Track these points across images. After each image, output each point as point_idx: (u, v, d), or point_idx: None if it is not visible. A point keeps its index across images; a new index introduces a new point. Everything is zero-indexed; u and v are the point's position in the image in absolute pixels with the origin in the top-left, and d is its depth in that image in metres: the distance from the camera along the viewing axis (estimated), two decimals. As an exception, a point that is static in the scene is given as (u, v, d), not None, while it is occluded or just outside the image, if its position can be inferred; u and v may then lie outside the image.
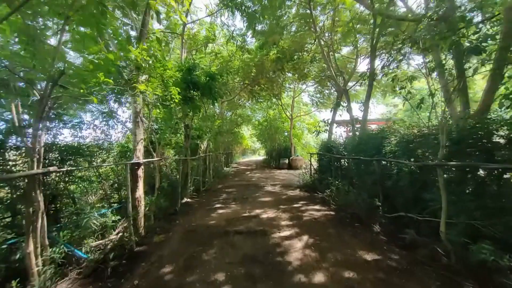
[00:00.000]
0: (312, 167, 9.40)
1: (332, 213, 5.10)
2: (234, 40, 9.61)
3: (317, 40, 9.38)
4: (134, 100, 3.99)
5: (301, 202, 6.20)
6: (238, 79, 11.91)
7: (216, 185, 9.39)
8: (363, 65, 25.80)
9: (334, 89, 13.42)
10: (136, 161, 3.75)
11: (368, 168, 5.27)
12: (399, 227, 3.89)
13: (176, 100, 4.66)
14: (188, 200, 6.74)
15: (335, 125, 11.45)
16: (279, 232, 4.10)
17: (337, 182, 5.76)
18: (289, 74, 14.00)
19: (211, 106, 12.31)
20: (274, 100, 18.03)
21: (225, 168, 15.52)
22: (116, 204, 4.92)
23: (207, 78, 6.72)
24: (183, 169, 7.68)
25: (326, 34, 9.57)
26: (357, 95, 13.53)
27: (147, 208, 4.27)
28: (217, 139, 13.00)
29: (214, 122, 8.30)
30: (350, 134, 10.18)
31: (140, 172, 3.86)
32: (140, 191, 3.83)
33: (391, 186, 4.34)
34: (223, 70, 8.32)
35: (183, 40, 7.40)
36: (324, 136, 18.68)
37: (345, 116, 10.40)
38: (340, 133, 15.78)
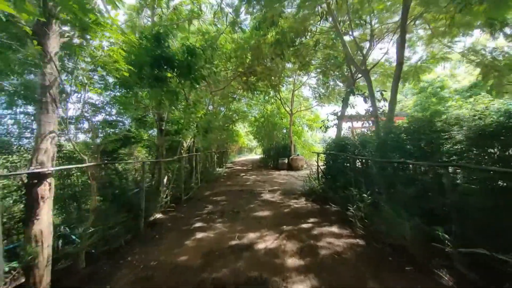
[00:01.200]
0: (319, 169, 7.80)
1: (361, 242, 3.49)
2: (224, 15, 7.92)
3: (325, 18, 7.75)
4: (44, 66, 2.33)
5: (311, 220, 4.59)
6: (231, 67, 10.23)
7: (203, 192, 7.75)
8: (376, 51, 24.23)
9: (339, 80, 11.83)
10: (33, 171, 2.11)
11: (413, 176, 3.68)
12: (485, 276, 2.32)
13: (125, 73, 3.00)
14: (160, 216, 5.09)
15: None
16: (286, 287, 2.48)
17: (365, 195, 4.14)
18: (289, 65, 12.42)
19: (205, 101, 10.67)
20: (271, 93, 16.43)
21: (217, 169, 13.88)
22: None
23: (186, 55, 5.06)
24: (156, 174, 6.04)
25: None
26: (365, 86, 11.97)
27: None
28: (207, 136, 11.38)
29: (197, 113, 6.62)
30: (365, 130, 8.62)
31: (45, 189, 2.21)
32: (43, 222, 2.18)
33: (458, 205, 2.75)
34: (209, 47, 6.64)
35: (154, 8, 5.71)
36: (329, 133, 16.92)
37: (351, 110, 8.85)
38: (347, 129, 14.25)
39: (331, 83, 12.40)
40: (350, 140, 6.16)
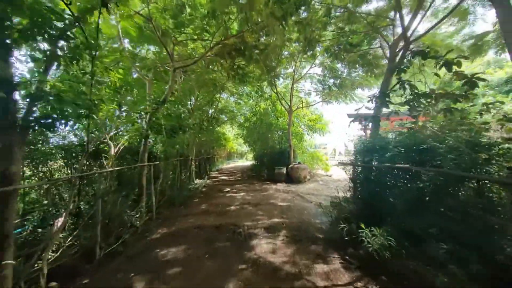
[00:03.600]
0: (357, 193, 4.80)
1: None
2: None
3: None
4: None
5: None
6: (208, 37, 7.14)
7: (151, 232, 4.54)
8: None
9: (358, 67, 8.92)
10: None
11: None
12: None
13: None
14: None
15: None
16: None
17: None
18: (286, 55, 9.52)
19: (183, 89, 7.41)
20: (265, 88, 13.45)
21: (195, 182, 10.67)
22: None
23: None
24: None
25: None
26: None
27: None
28: (177, 139, 8.23)
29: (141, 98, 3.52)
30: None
31: None
32: None
33: None
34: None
35: None
36: (326, 136, 14.00)
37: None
38: (357, 132, 11.38)
39: (343, 70, 9.50)
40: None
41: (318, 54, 9.35)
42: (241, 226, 4.55)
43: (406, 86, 4.27)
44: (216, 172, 17.30)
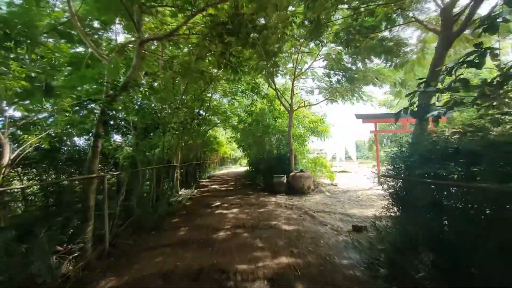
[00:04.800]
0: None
1: None
2: None
3: None
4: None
5: None
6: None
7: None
8: None
9: (375, 56, 7.48)
10: None
11: None
12: None
13: None
14: None
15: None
16: None
17: None
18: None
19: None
20: (261, 82, 11.98)
21: (179, 193, 9.00)
22: None
23: None
24: None
25: None
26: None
27: None
28: (155, 140, 6.67)
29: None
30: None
31: None
32: None
33: None
34: None
35: None
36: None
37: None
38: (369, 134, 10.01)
39: (356, 61, 8.07)
40: None
41: (325, 41, 7.92)
42: (232, 274, 2.93)
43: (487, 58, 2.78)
44: (207, 180, 15.62)
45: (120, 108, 4.30)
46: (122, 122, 5.90)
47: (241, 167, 27.18)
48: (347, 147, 19.69)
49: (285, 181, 9.36)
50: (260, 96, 12.09)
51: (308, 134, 12.47)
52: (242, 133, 13.84)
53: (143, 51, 5.61)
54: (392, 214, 3.60)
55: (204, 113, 15.81)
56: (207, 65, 7.71)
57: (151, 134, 7.06)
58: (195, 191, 10.42)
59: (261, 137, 11.80)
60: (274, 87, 10.21)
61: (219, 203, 7.51)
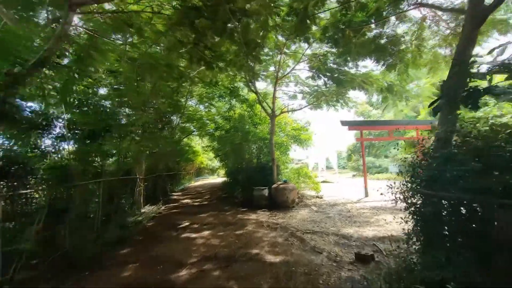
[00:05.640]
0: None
1: None
2: None
3: None
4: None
5: None
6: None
7: None
8: None
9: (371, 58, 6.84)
10: None
11: None
12: None
13: None
14: None
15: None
16: None
17: None
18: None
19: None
20: (241, 85, 11.05)
21: (143, 210, 7.57)
22: None
23: None
24: None
25: None
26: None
27: None
28: (107, 145, 5.37)
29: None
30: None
31: None
32: None
33: None
34: None
35: None
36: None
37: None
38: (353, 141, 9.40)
39: (346, 63, 7.40)
40: None
41: (311, 40, 7.19)
42: None
43: None
44: (180, 193, 14.07)
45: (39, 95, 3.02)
46: (60, 121, 4.52)
47: (219, 178, 25.68)
48: (328, 156, 19.23)
49: (266, 194, 8.29)
50: (240, 100, 11.10)
51: (291, 142, 11.64)
52: (219, 141, 12.65)
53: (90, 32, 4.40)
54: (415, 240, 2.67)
55: (178, 120, 14.50)
56: (176, 58, 6.57)
57: (102, 138, 5.70)
58: (163, 207, 8.97)
59: (240, 145, 10.71)
60: (255, 90, 9.29)
61: (188, 223, 6.22)
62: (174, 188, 15.28)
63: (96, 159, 5.69)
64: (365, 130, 10.18)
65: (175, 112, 12.17)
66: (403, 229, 2.99)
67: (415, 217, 2.71)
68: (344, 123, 9.44)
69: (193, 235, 5.12)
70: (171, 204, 9.63)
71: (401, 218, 3.04)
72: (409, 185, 2.80)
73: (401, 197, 2.88)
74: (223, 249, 4.18)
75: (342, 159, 48.70)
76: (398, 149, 11.49)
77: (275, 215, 6.86)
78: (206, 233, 5.27)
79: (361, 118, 25.04)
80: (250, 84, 9.65)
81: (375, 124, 10.10)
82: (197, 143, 22.30)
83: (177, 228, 5.80)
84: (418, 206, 2.68)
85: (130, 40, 7.01)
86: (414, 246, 2.85)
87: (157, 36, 6.24)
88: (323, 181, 17.12)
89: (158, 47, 7.16)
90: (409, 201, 2.79)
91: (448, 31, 5.28)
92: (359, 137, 9.83)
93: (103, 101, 5.79)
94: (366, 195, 9.42)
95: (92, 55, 5.35)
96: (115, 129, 5.81)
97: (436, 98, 3.05)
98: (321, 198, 9.58)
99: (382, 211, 6.81)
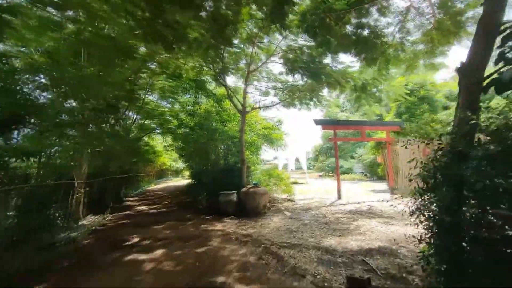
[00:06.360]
0: None
1: None
2: None
3: None
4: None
5: None
6: None
7: None
8: None
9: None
10: None
11: None
12: None
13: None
14: None
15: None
16: None
17: None
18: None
19: None
20: (208, 79, 10.00)
21: (82, 222, 6.11)
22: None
23: None
24: None
25: None
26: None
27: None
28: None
29: None
30: None
31: None
32: None
33: None
34: None
35: None
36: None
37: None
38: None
39: (325, 57, 6.86)
40: None
41: (286, 32, 6.51)
42: None
43: None
44: (136, 198, 12.40)
45: None
46: None
47: (184, 180, 23.93)
48: (298, 157, 19.00)
49: (235, 199, 7.38)
50: (206, 95, 10.02)
51: (262, 141, 10.90)
52: (182, 140, 11.37)
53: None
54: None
55: (135, 116, 12.87)
56: (126, 32, 5.33)
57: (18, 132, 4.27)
58: (110, 216, 7.50)
59: (205, 144, 9.65)
60: (224, 83, 8.33)
61: (137, 239, 5.02)
62: (130, 193, 13.48)
63: (7, 159, 4.24)
64: (339, 130, 9.90)
65: (130, 106, 10.65)
66: (394, 239, 2.35)
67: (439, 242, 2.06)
68: (317, 122, 9.00)
69: (141, 257, 3.99)
70: (122, 213, 8.16)
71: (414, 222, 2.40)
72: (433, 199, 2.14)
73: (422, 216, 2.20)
74: (179, 278, 3.18)
75: (308, 159, 49.91)
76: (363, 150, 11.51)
77: (244, 224, 5.99)
78: (159, 252, 4.17)
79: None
80: (219, 77, 8.68)
81: (349, 124, 9.89)
82: (160, 142, 20.41)
83: (122, 247, 4.59)
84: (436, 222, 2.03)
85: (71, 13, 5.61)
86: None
87: (101, 4, 4.96)
88: (293, 182, 16.79)
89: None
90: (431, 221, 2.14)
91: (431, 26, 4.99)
92: (331, 137, 9.48)
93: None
94: (339, 197, 9.08)
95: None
96: (37, 118, 4.40)
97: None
98: (294, 201, 8.99)
99: (359, 216, 6.39)
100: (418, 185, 2.24)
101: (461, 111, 2.17)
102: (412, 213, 2.23)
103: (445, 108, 11.41)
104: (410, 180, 2.31)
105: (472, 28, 4.96)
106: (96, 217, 7.10)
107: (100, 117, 7.23)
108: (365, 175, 19.10)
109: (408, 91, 9.50)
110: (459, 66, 2.34)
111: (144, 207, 9.31)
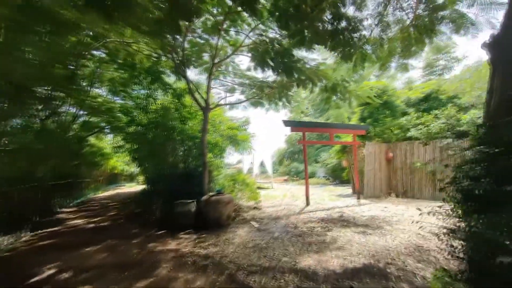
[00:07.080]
0: None
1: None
2: None
3: None
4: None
5: None
6: None
7: None
8: None
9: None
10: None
11: None
12: None
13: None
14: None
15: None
16: None
17: None
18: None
19: None
20: (166, 68, 8.79)
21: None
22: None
23: None
24: None
25: None
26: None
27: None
28: None
29: None
30: None
31: None
32: None
33: None
34: None
35: None
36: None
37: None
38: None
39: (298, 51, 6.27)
40: None
41: (255, 22, 5.78)
42: None
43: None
44: (75, 208, 10.38)
45: None
46: None
47: (139, 186, 21.51)
48: (263, 160, 18.42)
49: (193, 209, 6.30)
50: (163, 87, 8.76)
51: (226, 143, 9.97)
52: (134, 140, 9.83)
53: None
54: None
55: (78, 111, 10.96)
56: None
57: None
58: (29, 235, 5.80)
59: (162, 145, 8.37)
60: (184, 75, 7.25)
61: (54, 270, 3.67)
62: (67, 203, 11.25)
63: None
64: (308, 132, 9.49)
65: (69, 98, 8.88)
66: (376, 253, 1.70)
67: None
68: (287, 123, 8.43)
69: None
70: (49, 229, 6.44)
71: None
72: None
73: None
74: None
75: (273, 163, 50.14)
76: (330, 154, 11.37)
77: (204, 240, 4.99)
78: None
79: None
80: (179, 69, 7.56)
81: (318, 126, 9.57)
82: (110, 143, 17.99)
83: (27, 286, 3.23)
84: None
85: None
86: None
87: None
88: (259, 187, 16.10)
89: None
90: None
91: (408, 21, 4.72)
92: (300, 140, 9.01)
93: None
94: (308, 203, 8.58)
95: None
96: None
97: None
98: (260, 209, 8.22)
99: (332, 224, 5.86)
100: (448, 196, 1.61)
101: (501, 94, 1.61)
102: (445, 236, 1.58)
103: (404, 114, 11.89)
104: (441, 190, 1.68)
105: (445, 27, 4.83)
106: (5, 237, 5.38)
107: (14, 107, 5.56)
108: (328, 179, 19.38)
109: (376, 95, 9.56)
110: (488, 40, 1.81)
111: (80, 221, 7.61)
